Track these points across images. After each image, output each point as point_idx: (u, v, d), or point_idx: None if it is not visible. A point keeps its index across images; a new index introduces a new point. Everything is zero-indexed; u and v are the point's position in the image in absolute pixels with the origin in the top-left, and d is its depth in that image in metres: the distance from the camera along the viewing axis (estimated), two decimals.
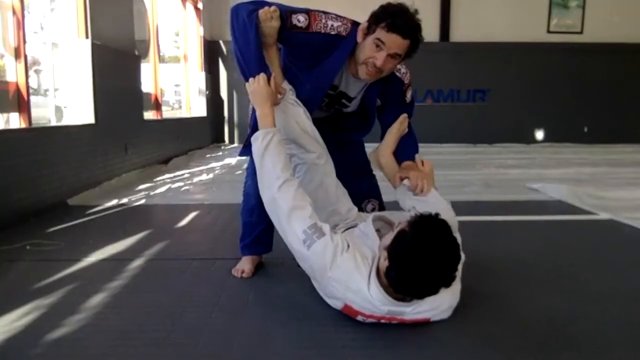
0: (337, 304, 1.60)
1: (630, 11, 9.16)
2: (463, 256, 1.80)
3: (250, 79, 1.77)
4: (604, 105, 9.23)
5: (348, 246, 1.56)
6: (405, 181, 1.91)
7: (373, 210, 2.14)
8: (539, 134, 9.44)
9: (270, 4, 1.78)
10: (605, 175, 5.25)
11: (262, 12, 1.74)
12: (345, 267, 1.51)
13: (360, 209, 2.05)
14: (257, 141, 1.71)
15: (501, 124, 9.25)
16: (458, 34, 9.12)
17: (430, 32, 8.70)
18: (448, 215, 1.81)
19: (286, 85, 1.89)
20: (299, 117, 1.86)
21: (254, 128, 1.80)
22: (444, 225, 1.46)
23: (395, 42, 1.72)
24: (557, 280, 2.10)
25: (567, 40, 9.14)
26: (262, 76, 1.75)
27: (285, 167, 1.66)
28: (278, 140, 1.70)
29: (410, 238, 1.42)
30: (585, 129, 9.33)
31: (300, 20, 1.78)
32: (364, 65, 1.79)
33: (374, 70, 1.78)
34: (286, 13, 1.78)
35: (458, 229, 1.87)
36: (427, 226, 1.44)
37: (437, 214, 1.49)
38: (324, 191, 1.86)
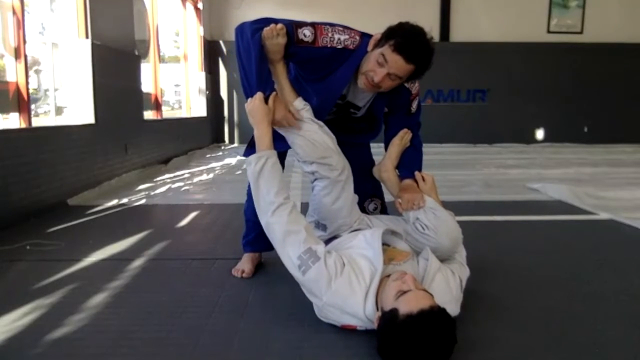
0: (336, 324, 1.59)
1: (630, 11, 9.17)
2: (468, 272, 1.79)
3: (249, 99, 1.75)
4: (604, 105, 9.23)
5: (343, 265, 1.55)
6: (397, 205, 1.88)
7: (375, 209, 2.14)
8: (539, 134, 9.45)
9: (276, 21, 1.75)
10: (605, 175, 5.25)
11: (267, 30, 1.71)
12: (340, 292, 1.51)
13: (362, 208, 2.05)
14: (251, 165, 1.69)
15: (501, 124, 9.26)
16: (458, 34, 9.13)
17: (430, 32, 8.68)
18: (451, 227, 1.78)
19: (300, 103, 1.86)
20: (318, 134, 1.83)
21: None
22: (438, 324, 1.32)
23: (397, 63, 1.68)
24: (557, 280, 2.10)
25: (567, 40, 9.15)
26: (258, 95, 1.73)
27: (279, 192, 1.64)
28: (272, 163, 1.68)
29: (401, 334, 1.31)
30: (585, 129, 9.34)
31: (306, 34, 1.75)
32: (364, 75, 1.76)
33: (371, 84, 1.75)
34: (292, 27, 1.75)
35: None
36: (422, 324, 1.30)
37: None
38: (339, 205, 1.85)
